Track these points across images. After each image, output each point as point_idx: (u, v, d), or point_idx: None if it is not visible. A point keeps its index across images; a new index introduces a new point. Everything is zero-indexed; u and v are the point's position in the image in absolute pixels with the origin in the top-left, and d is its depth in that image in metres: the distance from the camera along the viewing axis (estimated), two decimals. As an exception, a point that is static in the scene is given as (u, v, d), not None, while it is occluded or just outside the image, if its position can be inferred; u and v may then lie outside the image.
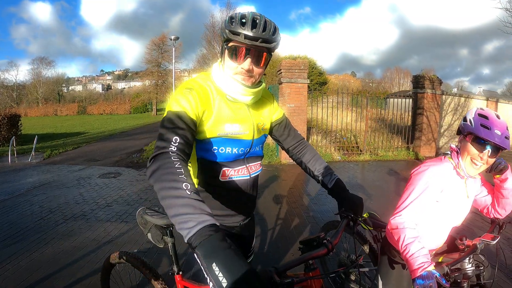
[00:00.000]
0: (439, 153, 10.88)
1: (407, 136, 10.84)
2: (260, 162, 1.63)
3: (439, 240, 1.89)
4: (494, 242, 1.70)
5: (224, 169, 1.45)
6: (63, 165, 8.76)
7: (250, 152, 1.53)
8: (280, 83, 9.13)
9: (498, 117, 1.63)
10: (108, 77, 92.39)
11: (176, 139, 1.19)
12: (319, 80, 29.50)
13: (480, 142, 1.61)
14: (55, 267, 3.33)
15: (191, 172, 1.47)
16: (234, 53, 1.33)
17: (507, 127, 1.61)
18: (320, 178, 1.67)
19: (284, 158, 9.12)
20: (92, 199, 5.69)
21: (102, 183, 6.81)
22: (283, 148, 1.81)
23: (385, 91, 14.17)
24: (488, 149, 1.59)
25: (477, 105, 11.45)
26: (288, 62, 9.16)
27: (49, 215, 4.86)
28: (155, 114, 38.49)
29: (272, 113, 1.67)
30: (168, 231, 1.74)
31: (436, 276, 1.39)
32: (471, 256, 1.78)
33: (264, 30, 1.29)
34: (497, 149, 1.60)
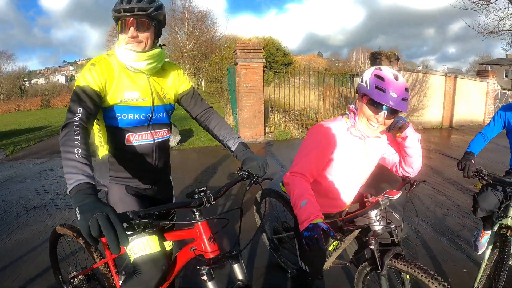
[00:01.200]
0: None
1: (367, 112, 11.18)
2: (167, 129, 1.82)
3: (344, 198, 1.93)
4: (395, 197, 1.66)
5: (128, 134, 1.64)
6: (25, 159, 8.60)
7: (153, 118, 1.71)
8: (236, 64, 9.20)
9: (396, 77, 1.57)
10: (71, 68, 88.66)
11: (79, 109, 1.39)
12: (284, 61, 29.57)
13: (376, 104, 1.57)
14: (17, 255, 3.42)
15: (102, 140, 1.67)
16: (121, 27, 1.56)
17: (406, 88, 1.56)
18: (224, 142, 1.85)
19: (241, 136, 9.27)
20: (53, 190, 5.73)
21: (63, 174, 6.74)
22: (192, 117, 1.95)
23: (350, 70, 14.51)
24: (384, 111, 1.57)
25: (435, 80, 12.00)
26: (242, 42, 9.30)
27: (11, 208, 4.88)
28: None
29: (178, 84, 1.84)
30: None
31: (322, 228, 1.35)
32: (378, 213, 1.76)
33: (139, 1, 1.50)
34: (394, 111, 1.57)
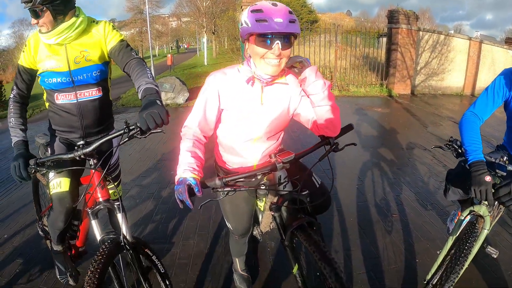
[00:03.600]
0: (414, 92, 10.86)
1: (381, 72, 10.72)
2: (96, 88, 1.97)
3: (247, 155, 1.72)
4: (286, 160, 1.49)
5: (56, 94, 1.93)
6: (43, 121, 8.70)
7: (76, 81, 1.90)
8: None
9: (275, 4, 1.42)
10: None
11: (14, 87, 1.93)
12: (309, 19, 28.38)
13: (265, 38, 1.40)
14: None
15: (44, 97, 2.02)
16: (31, 16, 1.76)
17: (289, 11, 1.41)
18: (138, 92, 1.73)
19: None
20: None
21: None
22: (124, 72, 1.94)
23: (377, 30, 13.63)
24: (277, 41, 1.38)
25: (458, 44, 11.21)
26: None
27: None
28: (141, 62, 37.70)
29: (105, 43, 1.94)
30: (48, 148, 2.19)
31: (189, 183, 1.32)
32: (282, 176, 1.61)
33: None
34: (286, 38, 1.40)
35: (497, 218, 2.51)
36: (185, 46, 58.97)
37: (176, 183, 1.36)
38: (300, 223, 1.56)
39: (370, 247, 2.74)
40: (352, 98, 9.60)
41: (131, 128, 1.49)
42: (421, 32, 10.57)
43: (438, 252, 2.61)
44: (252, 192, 1.87)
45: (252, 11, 1.41)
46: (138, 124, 1.47)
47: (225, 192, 1.41)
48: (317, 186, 1.80)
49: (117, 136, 1.56)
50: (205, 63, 21.93)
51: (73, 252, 2.29)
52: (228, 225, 2.00)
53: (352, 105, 8.79)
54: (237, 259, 2.26)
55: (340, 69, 10.57)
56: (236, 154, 1.73)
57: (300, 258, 1.71)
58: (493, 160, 1.75)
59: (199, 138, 1.56)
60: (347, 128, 1.68)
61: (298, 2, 30.97)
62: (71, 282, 2.16)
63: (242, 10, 8.77)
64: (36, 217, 2.70)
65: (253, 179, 1.67)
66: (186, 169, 1.39)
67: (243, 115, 1.61)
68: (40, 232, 2.53)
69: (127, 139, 1.54)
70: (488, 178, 1.62)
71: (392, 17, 10.06)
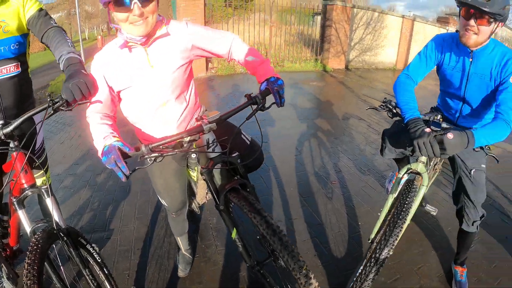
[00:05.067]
0: (348, 66, 11.21)
1: (316, 48, 10.90)
2: (14, 64, 1.74)
3: (165, 124, 1.61)
4: (214, 119, 1.39)
5: None
6: None
7: None
8: (175, -4, 8.47)
9: None
10: None
11: None
12: (244, -3, 28.08)
13: (122, 1, 1.30)
14: None
15: None
16: None
17: None
18: (58, 62, 1.60)
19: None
20: None
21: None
22: (42, 43, 1.77)
23: (313, 9, 13.76)
24: (134, 1, 1.30)
25: (391, 21, 11.65)
26: (181, -27, 8.49)
27: None
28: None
29: (22, 13, 1.74)
30: None
31: (118, 147, 1.26)
32: (210, 139, 1.53)
33: None
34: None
35: (433, 179, 2.65)
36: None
37: (101, 155, 1.28)
38: (232, 186, 1.55)
39: (312, 215, 2.80)
40: (287, 73, 9.68)
41: (55, 101, 1.36)
42: (355, 9, 10.83)
43: (378, 214, 2.75)
44: (182, 162, 1.83)
45: None
46: (63, 96, 1.35)
47: (153, 159, 1.36)
48: (248, 143, 1.79)
49: (40, 111, 1.40)
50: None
51: (8, 252, 2.04)
52: (163, 202, 1.93)
53: (288, 80, 8.83)
54: (179, 238, 2.18)
55: (275, 46, 10.54)
56: (154, 127, 1.63)
57: (237, 222, 1.71)
58: (428, 118, 1.81)
59: (104, 117, 1.48)
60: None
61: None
62: (8, 286, 1.90)
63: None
64: None
65: (181, 148, 1.63)
66: (106, 136, 1.34)
67: (139, 86, 1.51)
68: None
69: (52, 112, 1.38)
70: (428, 130, 1.60)
71: (324, -7, 10.19)
